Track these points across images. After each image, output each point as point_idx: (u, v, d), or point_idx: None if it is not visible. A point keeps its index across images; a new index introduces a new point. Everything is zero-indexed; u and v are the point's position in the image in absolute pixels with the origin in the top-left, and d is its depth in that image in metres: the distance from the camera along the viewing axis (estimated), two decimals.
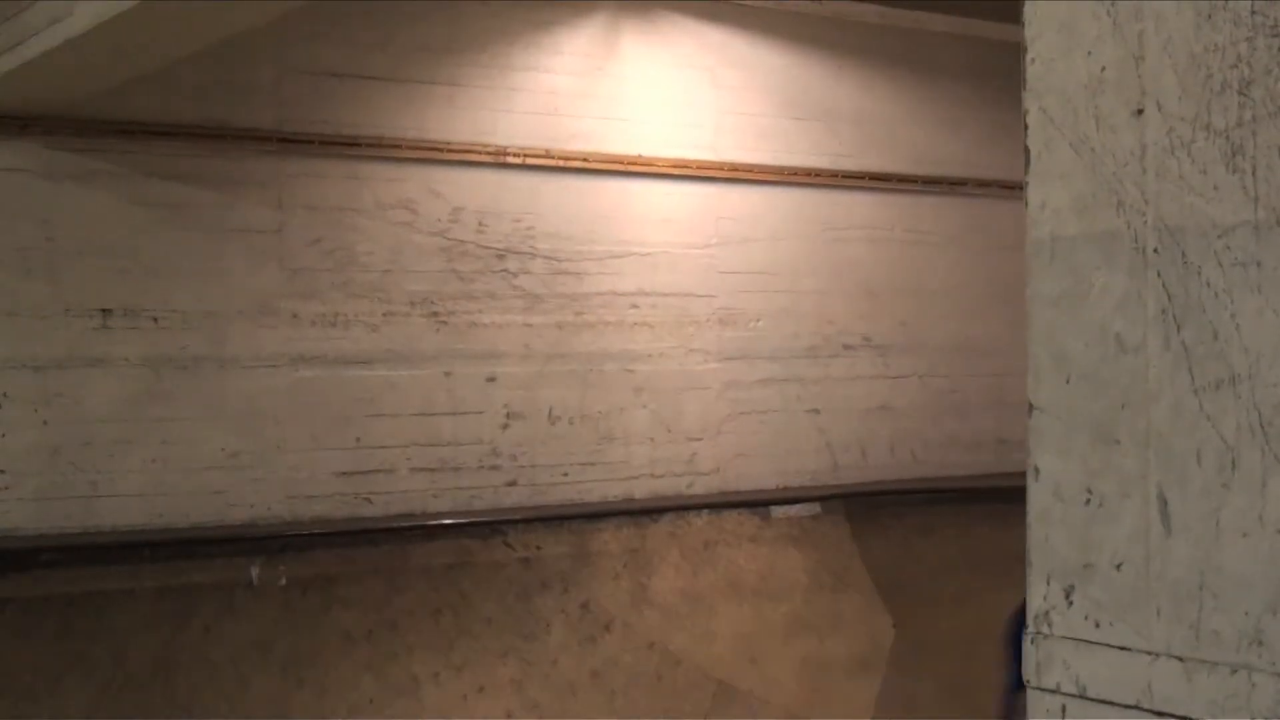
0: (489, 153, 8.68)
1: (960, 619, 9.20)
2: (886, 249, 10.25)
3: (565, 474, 8.94)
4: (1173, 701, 1.73)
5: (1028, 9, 1.94)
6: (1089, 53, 1.84)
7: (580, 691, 8.18)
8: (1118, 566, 1.80)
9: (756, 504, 9.35)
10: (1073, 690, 1.86)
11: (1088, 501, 1.84)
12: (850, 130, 10.08)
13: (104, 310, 7.62)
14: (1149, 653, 1.76)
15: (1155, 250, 1.76)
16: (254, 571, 7.62)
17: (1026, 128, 1.94)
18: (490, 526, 8.39)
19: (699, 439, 9.44)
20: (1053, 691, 1.89)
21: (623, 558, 8.69)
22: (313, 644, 7.65)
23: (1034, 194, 1.93)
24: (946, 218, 10.48)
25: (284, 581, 7.68)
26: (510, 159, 8.73)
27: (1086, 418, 1.85)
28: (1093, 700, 1.83)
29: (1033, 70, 1.93)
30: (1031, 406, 1.93)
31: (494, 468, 8.70)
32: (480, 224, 8.66)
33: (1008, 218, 10.02)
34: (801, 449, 9.83)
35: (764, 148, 9.71)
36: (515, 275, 8.77)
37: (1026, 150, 1.94)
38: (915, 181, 10.34)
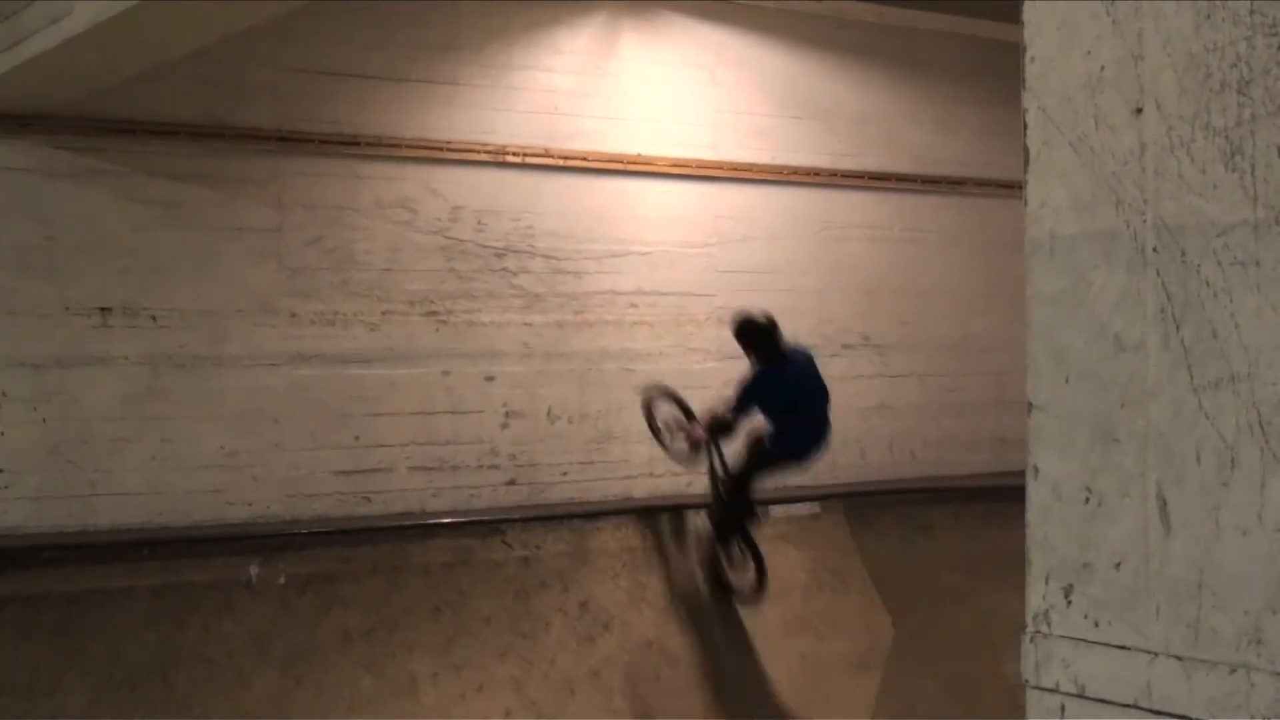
0: (488, 152, 8.68)
1: (959, 618, 9.20)
2: (885, 248, 10.25)
3: (564, 473, 8.94)
4: (1171, 700, 1.73)
5: (1027, 8, 1.94)
6: (1088, 52, 1.84)
7: (579, 690, 8.18)
8: (1117, 565, 1.80)
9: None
10: (1071, 689, 1.86)
11: (1087, 500, 1.84)
12: (849, 129, 10.08)
13: (103, 309, 7.62)
14: (1148, 652, 1.76)
15: (1154, 249, 1.76)
16: (253, 570, 7.61)
17: (1025, 126, 1.94)
18: (489, 525, 8.38)
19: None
20: (1052, 690, 1.89)
21: (622, 557, 8.68)
22: (311, 643, 7.64)
23: (1033, 192, 1.93)
24: (945, 217, 10.48)
25: (283, 580, 7.68)
26: (510, 158, 8.73)
27: (1086, 416, 1.85)
28: (1091, 699, 1.83)
29: (1032, 69, 1.93)
30: (1031, 405, 1.93)
31: (493, 467, 8.70)
32: (479, 223, 8.66)
33: (1006, 216, 9.96)
34: None
35: (763, 147, 9.71)
36: (515, 274, 8.77)
37: (1025, 149, 1.94)
38: (914, 180, 10.34)
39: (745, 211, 9.64)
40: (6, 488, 7.40)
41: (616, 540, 8.71)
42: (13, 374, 7.43)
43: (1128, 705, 1.77)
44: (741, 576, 8.58)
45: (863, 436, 10.08)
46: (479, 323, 8.65)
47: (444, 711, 7.78)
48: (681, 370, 9.35)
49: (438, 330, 8.53)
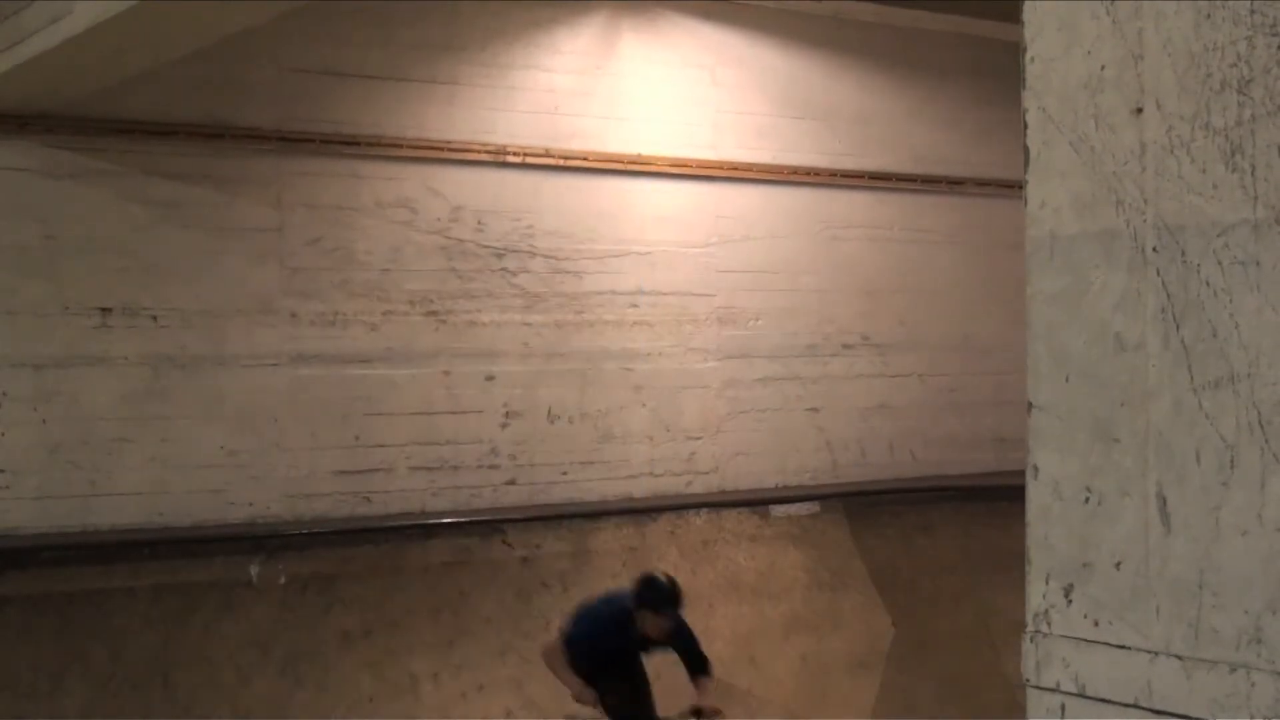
0: (489, 151, 8.68)
1: (959, 617, 9.21)
2: (886, 248, 10.25)
3: (564, 473, 8.94)
4: (1172, 700, 1.73)
5: (1027, 8, 1.94)
6: (1088, 52, 1.84)
7: None
8: (1117, 565, 1.80)
9: (756, 503, 9.34)
10: (1072, 689, 1.86)
11: (1087, 500, 1.85)
12: (849, 129, 10.08)
13: (103, 309, 7.62)
14: (1148, 651, 1.76)
15: (1154, 249, 1.76)
16: (253, 570, 7.62)
17: (1026, 126, 1.94)
18: (489, 525, 8.39)
19: (698, 438, 9.43)
20: (1052, 690, 1.89)
21: (622, 556, 8.69)
22: (312, 642, 7.65)
23: (1033, 192, 1.93)
24: (946, 216, 10.48)
25: (283, 580, 7.68)
26: (510, 158, 8.73)
27: (1086, 416, 1.85)
28: (1092, 699, 1.83)
29: (1032, 69, 1.93)
30: (1031, 405, 1.93)
31: (493, 466, 8.69)
32: (480, 223, 8.66)
33: (1007, 216, 10.00)
34: (801, 448, 9.82)
35: (763, 146, 9.71)
36: (514, 274, 8.76)
37: (1026, 149, 1.94)
38: (914, 180, 10.34)
39: (745, 211, 9.64)
40: (7, 488, 7.40)
41: (616, 540, 8.72)
42: (13, 374, 7.43)
43: (1128, 705, 1.78)
44: None
45: (863, 436, 10.08)
46: (479, 323, 8.65)
47: (444, 711, 7.78)
48: (681, 370, 9.35)
49: (437, 330, 8.53)
